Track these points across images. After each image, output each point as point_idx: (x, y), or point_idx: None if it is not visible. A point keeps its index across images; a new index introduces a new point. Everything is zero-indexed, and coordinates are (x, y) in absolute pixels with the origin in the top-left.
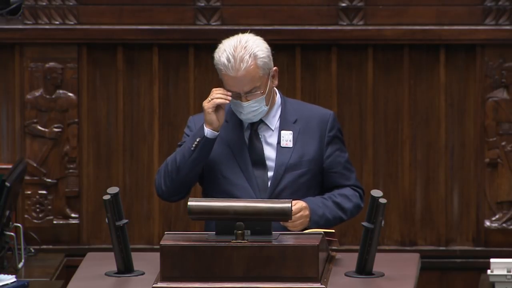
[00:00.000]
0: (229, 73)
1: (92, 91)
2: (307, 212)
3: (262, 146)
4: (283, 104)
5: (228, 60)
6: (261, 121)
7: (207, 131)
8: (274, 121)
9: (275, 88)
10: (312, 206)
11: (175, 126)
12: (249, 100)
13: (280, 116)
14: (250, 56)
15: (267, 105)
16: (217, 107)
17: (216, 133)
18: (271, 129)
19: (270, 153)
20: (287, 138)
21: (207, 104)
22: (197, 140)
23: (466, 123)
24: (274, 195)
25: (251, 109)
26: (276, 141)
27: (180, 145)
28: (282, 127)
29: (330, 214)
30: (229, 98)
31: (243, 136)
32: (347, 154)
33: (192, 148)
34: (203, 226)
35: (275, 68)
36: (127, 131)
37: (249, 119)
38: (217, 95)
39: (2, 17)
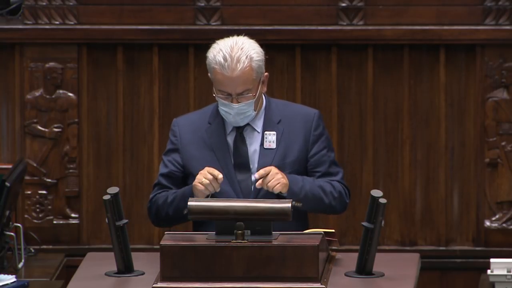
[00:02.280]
0: (224, 72)
1: (92, 91)
2: (280, 176)
3: (247, 149)
4: (268, 105)
5: (225, 59)
6: (247, 124)
7: None
8: (259, 124)
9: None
10: (291, 178)
11: None
12: (239, 103)
13: (264, 117)
14: (246, 57)
15: (255, 110)
16: None
17: None
18: (257, 131)
19: (254, 155)
20: (271, 139)
21: (200, 186)
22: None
23: (466, 123)
24: (258, 198)
25: (240, 111)
26: (260, 143)
27: (166, 153)
28: (266, 128)
29: (310, 190)
30: (205, 190)
31: (226, 139)
32: (334, 154)
33: (184, 213)
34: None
35: (266, 73)
36: (127, 131)
37: (236, 123)
38: (200, 187)
39: (2, 17)
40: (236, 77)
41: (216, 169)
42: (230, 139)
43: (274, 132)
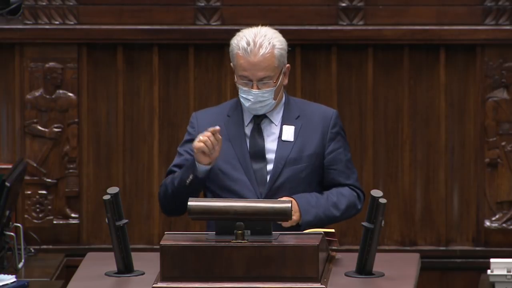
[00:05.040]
0: (246, 56)
1: (92, 91)
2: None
3: (264, 139)
4: (287, 102)
5: (248, 43)
6: (265, 117)
7: (199, 167)
8: (278, 118)
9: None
10: (305, 206)
11: (175, 126)
12: (259, 89)
13: (283, 112)
14: (269, 43)
15: (275, 99)
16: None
17: (208, 167)
18: (275, 124)
19: (271, 146)
20: (289, 132)
21: (198, 144)
22: (191, 177)
23: (466, 123)
24: (273, 189)
25: (260, 99)
26: (278, 135)
27: (182, 144)
28: (284, 122)
29: (324, 213)
30: (203, 146)
31: (244, 130)
32: (350, 154)
33: (187, 183)
34: (205, 226)
35: (288, 65)
36: (127, 131)
37: (255, 110)
38: (199, 143)
39: (2, 17)
40: (257, 62)
41: (233, 161)
42: (248, 130)
43: (293, 126)
